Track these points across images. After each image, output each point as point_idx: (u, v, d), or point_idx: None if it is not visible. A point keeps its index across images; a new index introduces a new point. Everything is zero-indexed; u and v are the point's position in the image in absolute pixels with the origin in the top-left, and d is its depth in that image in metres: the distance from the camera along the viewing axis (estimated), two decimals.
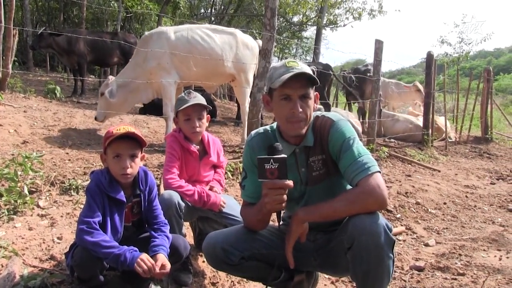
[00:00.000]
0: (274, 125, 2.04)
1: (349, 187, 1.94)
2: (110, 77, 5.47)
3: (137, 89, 5.33)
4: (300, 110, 1.83)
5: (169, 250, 2.08)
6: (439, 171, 6.26)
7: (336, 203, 1.77)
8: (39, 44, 8.61)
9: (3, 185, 3.01)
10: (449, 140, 9.00)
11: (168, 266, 1.97)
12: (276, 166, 1.67)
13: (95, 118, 5.38)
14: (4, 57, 6.39)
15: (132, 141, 2.06)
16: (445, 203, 4.69)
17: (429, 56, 8.25)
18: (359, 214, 1.72)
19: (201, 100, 2.61)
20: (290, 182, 1.70)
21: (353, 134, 1.89)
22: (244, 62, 5.65)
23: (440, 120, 9.30)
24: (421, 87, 10.32)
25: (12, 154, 3.60)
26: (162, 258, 1.98)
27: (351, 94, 11.81)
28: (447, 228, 3.91)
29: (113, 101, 5.20)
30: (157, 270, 1.91)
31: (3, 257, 2.34)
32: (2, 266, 2.27)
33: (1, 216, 2.78)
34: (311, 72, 1.84)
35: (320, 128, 1.95)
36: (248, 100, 5.74)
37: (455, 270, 2.83)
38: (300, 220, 1.79)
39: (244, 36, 5.91)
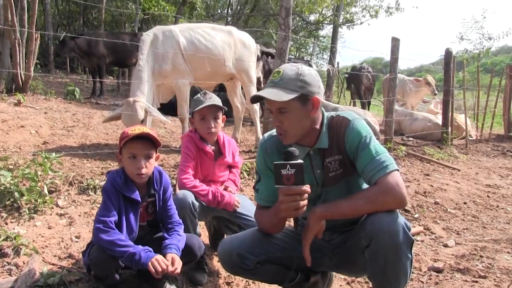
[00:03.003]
0: None
1: (366, 186, 1.92)
2: (135, 99, 4.48)
3: (153, 94, 5.04)
4: (278, 123, 1.84)
5: (182, 250, 2.09)
6: (459, 170, 6.11)
7: (355, 201, 1.76)
8: (62, 50, 8.87)
9: (24, 184, 3.08)
10: (470, 138, 8.78)
11: (179, 265, 1.98)
12: (292, 172, 1.65)
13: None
14: (26, 60, 6.55)
15: (147, 142, 2.09)
16: (465, 203, 4.57)
17: (447, 53, 8.08)
18: (377, 213, 1.71)
19: (217, 101, 2.63)
20: (307, 188, 1.68)
21: (369, 133, 1.87)
22: (243, 60, 5.52)
23: (460, 118, 9.08)
24: (431, 80, 10.13)
25: (33, 155, 3.69)
26: (174, 257, 1.99)
27: (357, 93, 11.76)
28: (467, 228, 3.81)
29: (165, 120, 4.83)
30: (170, 269, 1.93)
31: (24, 254, 2.42)
32: (24, 263, 2.33)
33: (22, 215, 2.86)
34: (285, 86, 1.80)
35: (335, 128, 1.93)
36: (240, 100, 5.72)
37: (476, 273, 2.76)
38: (318, 217, 1.77)
39: (241, 33, 5.79)
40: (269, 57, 8.28)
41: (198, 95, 2.64)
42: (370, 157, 1.79)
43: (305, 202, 1.69)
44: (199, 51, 5.07)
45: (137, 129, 2.06)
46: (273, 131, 2.05)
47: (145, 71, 4.76)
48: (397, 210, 1.75)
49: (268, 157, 1.94)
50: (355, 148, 1.85)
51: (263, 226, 1.98)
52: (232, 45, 5.45)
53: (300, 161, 1.68)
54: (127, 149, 2.07)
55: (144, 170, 2.07)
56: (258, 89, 7.56)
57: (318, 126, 1.92)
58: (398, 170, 1.79)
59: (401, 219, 1.70)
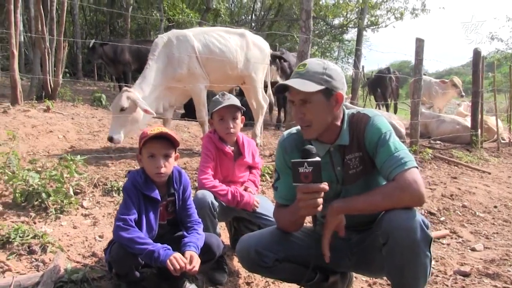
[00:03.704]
0: None
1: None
2: (127, 89, 4.61)
3: (159, 96, 4.95)
4: (300, 115, 1.84)
5: (201, 248, 2.10)
6: (489, 173, 5.95)
7: (372, 196, 1.75)
8: (93, 56, 9.17)
9: (51, 186, 3.18)
10: (502, 141, 8.56)
11: (197, 263, 1.99)
12: (310, 170, 1.64)
13: (110, 139, 4.33)
14: (55, 69, 6.77)
15: (166, 141, 2.12)
16: (495, 207, 4.42)
17: (476, 53, 7.93)
18: (394, 209, 1.69)
19: (235, 101, 2.64)
20: (325, 186, 1.67)
21: (389, 129, 1.86)
22: (254, 62, 5.47)
23: (491, 120, 8.87)
24: (457, 81, 9.92)
25: (60, 158, 3.80)
26: (192, 254, 2.00)
27: (382, 96, 11.62)
28: (497, 233, 3.67)
29: (152, 112, 4.55)
30: (188, 267, 1.94)
31: (50, 252, 2.50)
32: (50, 260, 2.42)
33: (49, 214, 2.95)
34: (310, 78, 1.80)
35: (356, 125, 1.92)
36: (261, 99, 5.64)
37: (508, 278, 2.63)
38: (335, 211, 1.77)
39: (254, 36, 5.75)
40: (281, 60, 8.23)
41: (217, 96, 2.67)
42: (389, 154, 1.79)
43: (321, 200, 1.69)
44: (213, 54, 5.07)
45: (156, 129, 2.10)
46: (292, 129, 2.05)
47: (152, 70, 4.78)
48: (415, 207, 1.72)
49: (287, 156, 1.94)
50: (375, 144, 1.84)
51: (282, 224, 1.98)
52: (245, 47, 5.41)
53: (317, 158, 1.67)
54: (146, 148, 2.11)
55: (163, 170, 2.10)
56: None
57: (339, 123, 1.91)
58: (417, 167, 1.77)
59: (419, 216, 1.68)
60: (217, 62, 5.11)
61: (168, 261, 1.91)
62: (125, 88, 4.58)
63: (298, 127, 2.04)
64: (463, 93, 10.02)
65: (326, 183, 1.68)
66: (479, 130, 7.90)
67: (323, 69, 1.82)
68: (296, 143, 1.97)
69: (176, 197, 2.22)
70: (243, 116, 2.74)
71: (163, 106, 5.08)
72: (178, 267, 1.90)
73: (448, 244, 3.34)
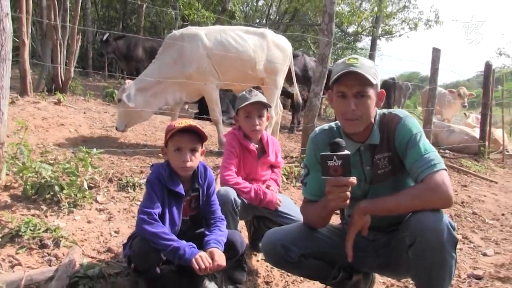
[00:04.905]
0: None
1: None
2: (128, 81, 5.05)
3: (162, 91, 4.98)
4: (354, 108, 1.81)
5: (224, 245, 2.04)
6: (496, 183, 6.07)
7: (400, 197, 1.74)
8: (106, 50, 9.09)
9: (64, 179, 3.09)
10: (507, 153, 8.69)
11: (223, 260, 1.93)
12: (339, 163, 1.64)
13: (116, 128, 4.94)
14: (67, 61, 6.69)
15: (193, 135, 2.07)
16: (503, 214, 4.52)
17: (487, 66, 8.04)
18: (422, 211, 1.69)
19: (262, 98, 2.60)
20: (354, 179, 1.67)
21: (420, 130, 1.87)
22: (275, 63, 5.34)
23: (497, 133, 9.00)
24: (463, 92, 9.94)
25: (73, 152, 3.72)
26: (217, 252, 1.94)
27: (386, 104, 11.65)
28: (506, 239, 3.73)
29: (132, 106, 4.80)
30: (214, 264, 1.88)
31: (64, 246, 2.42)
32: (63, 255, 2.34)
33: (62, 208, 2.86)
34: (370, 71, 1.80)
35: (387, 124, 1.92)
36: (275, 103, 5.48)
37: None
38: (362, 211, 1.76)
39: (276, 36, 5.59)
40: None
41: (244, 92, 2.62)
42: (418, 155, 1.80)
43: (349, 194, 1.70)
44: (228, 53, 4.97)
45: (183, 122, 2.05)
46: (324, 126, 2.06)
47: (157, 64, 5.01)
48: (442, 209, 1.72)
49: (319, 151, 1.89)
50: (405, 145, 1.85)
51: (310, 220, 1.98)
52: (265, 47, 5.27)
53: (347, 152, 1.67)
54: (173, 142, 2.05)
55: (189, 164, 2.04)
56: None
57: (372, 121, 1.91)
58: (446, 169, 1.78)
59: (446, 218, 1.68)
60: (232, 61, 5.00)
61: (193, 259, 1.85)
62: (127, 80, 4.77)
63: (331, 123, 2.06)
64: (466, 104, 10.06)
65: (355, 177, 1.68)
66: (487, 141, 8.00)
67: (373, 65, 1.84)
68: (328, 139, 1.92)
69: (201, 192, 2.16)
70: (268, 114, 2.68)
71: (174, 100, 5.11)
72: (203, 266, 1.85)
73: (461, 249, 3.38)
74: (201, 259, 1.86)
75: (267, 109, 2.64)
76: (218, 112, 5.10)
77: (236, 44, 5.05)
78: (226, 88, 5.78)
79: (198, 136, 2.08)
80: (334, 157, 1.64)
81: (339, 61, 1.91)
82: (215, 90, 5.08)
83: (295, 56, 8.30)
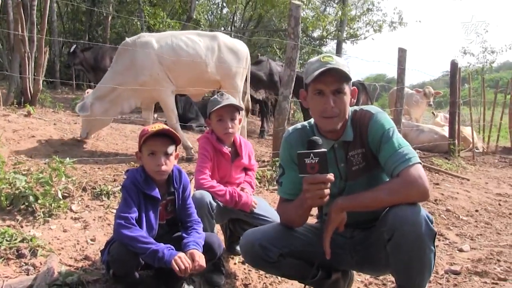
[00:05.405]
0: (312, 120, 2.02)
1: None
2: (88, 90, 5.21)
3: (117, 98, 4.98)
4: (333, 105, 1.81)
5: (202, 247, 2.07)
6: (468, 180, 6.14)
7: (377, 192, 1.75)
8: (73, 61, 9.00)
9: (38, 189, 3.08)
10: (477, 150, 8.81)
11: (203, 261, 1.96)
12: (316, 161, 1.65)
13: (80, 136, 5.13)
14: (35, 74, 6.59)
15: (167, 139, 2.09)
16: (477, 211, 4.57)
17: (453, 64, 8.13)
18: (399, 205, 1.69)
19: (234, 101, 2.63)
20: (331, 176, 1.67)
21: (392, 126, 1.88)
22: (227, 66, 5.28)
23: (466, 131, 9.12)
24: (428, 91, 10.17)
25: (45, 163, 3.69)
26: (197, 253, 1.97)
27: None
28: (481, 234, 3.79)
29: (87, 114, 4.87)
30: (195, 265, 1.91)
31: (41, 255, 2.41)
32: (41, 264, 2.32)
33: (37, 218, 2.85)
34: (344, 68, 1.82)
35: (359, 121, 1.93)
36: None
37: (495, 275, 2.73)
38: (339, 208, 1.75)
39: (228, 38, 5.53)
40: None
41: (215, 96, 2.65)
42: (393, 150, 1.80)
43: (329, 190, 1.69)
44: (180, 57, 4.94)
45: (156, 126, 2.07)
46: (297, 125, 2.06)
47: (111, 72, 5.06)
48: (419, 202, 1.74)
49: (293, 150, 1.93)
50: (378, 140, 1.85)
51: (287, 219, 1.96)
52: (216, 49, 5.22)
53: (323, 149, 1.68)
54: (147, 146, 2.07)
55: (163, 167, 2.07)
56: None
57: (346, 118, 1.93)
58: (420, 163, 1.79)
59: (423, 211, 1.69)
60: (184, 65, 4.97)
61: (173, 261, 1.87)
62: (87, 90, 4.90)
63: (304, 122, 2.06)
64: (432, 103, 10.32)
65: (332, 174, 1.68)
66: (457, 140, 8.08)
67: (346, 63, 1.86)
68: (301, 137, 1.97)
69: (176, 196, 2.19)
70: (240, 117, 2.73)
71: (129, 107, 5.17)
72: (183, 267, 1.87)
73: (437, 246, 3.36)
74: (181, 260, 1.88)
75: (239, 112, 2.68)
76: (175, 120, 5.07)
77: (187, 47, 5.02)
78: (183, 93, 5.75)
79: (172, 140, 2.10)
80: (311, 154, 1.65)
81: (313, 59, 1.90)
82: (170, 96, 5.05)
83: (260, 62, 8.35)
